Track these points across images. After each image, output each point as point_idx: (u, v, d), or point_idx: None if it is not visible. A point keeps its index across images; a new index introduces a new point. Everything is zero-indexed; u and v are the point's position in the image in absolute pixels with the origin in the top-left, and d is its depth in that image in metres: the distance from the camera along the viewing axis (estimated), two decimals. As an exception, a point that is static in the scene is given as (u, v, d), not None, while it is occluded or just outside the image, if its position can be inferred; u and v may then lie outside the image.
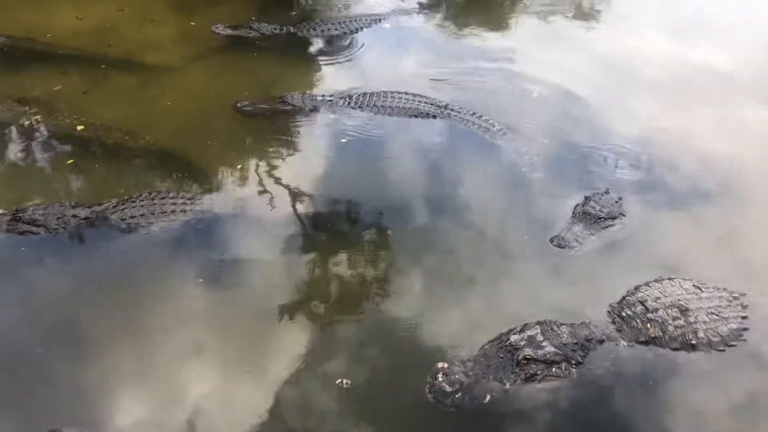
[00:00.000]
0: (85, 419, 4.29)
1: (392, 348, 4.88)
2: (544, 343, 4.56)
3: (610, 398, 4.54)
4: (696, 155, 6.87)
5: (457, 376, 4.32)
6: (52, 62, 8.06)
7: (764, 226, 6.03)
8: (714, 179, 6.57)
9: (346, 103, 7.42)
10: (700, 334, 4.71)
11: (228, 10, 9.49)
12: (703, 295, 4.98)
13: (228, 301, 5.19)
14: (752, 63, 8.74)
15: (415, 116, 7.29)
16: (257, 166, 6.68)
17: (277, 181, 6.44)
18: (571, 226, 5.80)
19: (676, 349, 4.69)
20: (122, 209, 5.68)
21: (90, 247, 5.57)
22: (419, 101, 7.37)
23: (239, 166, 6.60)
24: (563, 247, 5.62)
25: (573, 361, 4.56)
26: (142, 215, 5.64)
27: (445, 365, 4.40)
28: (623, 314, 4.89)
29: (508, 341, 4.59)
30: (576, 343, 4.62)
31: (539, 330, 4.65)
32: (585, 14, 10.23)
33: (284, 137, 7.13)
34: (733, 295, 5.08)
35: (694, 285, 5.07)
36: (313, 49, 8.83)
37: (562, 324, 4.76)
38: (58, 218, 5.60)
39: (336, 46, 8.94)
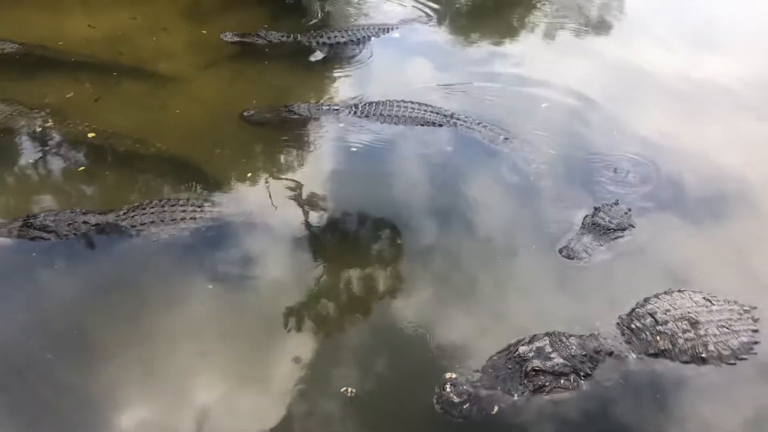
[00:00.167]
0: (92, 424, 4.31)
1: (399, 357, 4.88)
2: (552, 355, 4.54)
3: (618, 411, 4.51)
4: (706, 167, 6.84)
5: (465, 387, 4.31)
6: (65, 70, 8.14)
7: (775, 239, 6.00)
8: (724, 191, 6.54)
9: (353, 112, 7.45)
10: (711, 348, 4.69)
11: (239, 19, 9.54)
12: (714, 307, 4.95)
13: (235, 308, 5.21)
14: (764, 75, 8.70)
15: (422, 125, 7.30)
16: (266, 174, 6.71)
17: (286, 189, 6.45)
18: (580, 237, 5.79)
19: (686, 362, 4.67)
20: (132, 216, 5.72)
21: (100, 254, 5.61)
22: (425, 110, 7.39)
23: (249, 174, 6.63)
24: (572, 258, 5.60)
25: (582, 373, 4.54)
26: (152, 222, 5.67)
27: (454, 376, 4.39)
28: (632, 326, 4.86)
29: (517, 352, 4.58)
30: (585, 355, 4.61)
31: (548, 341, 4.64)
32: (595, 25, 10.23)
33: (293, 146, 7.16)
34: (744, 308, 5.05)
35: (704, 297, 5.05)
36: (321, 57, 8.85)
37: (571, 335, 4.74)
38: (69, 224, 5.64)
39: (344, 55, 8.96)
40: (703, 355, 4.66)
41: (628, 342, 4.78)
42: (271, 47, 8.83)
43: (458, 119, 7.37)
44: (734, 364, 4.68)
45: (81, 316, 5.05)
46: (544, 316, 5.07)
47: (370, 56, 8.92)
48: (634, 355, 4.71)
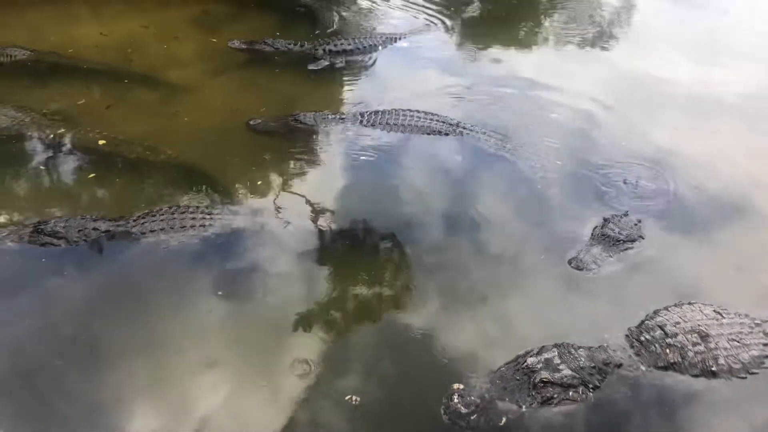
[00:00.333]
0: (100, 430, 4.32)
1: (407, 366, 4.86)
2: (561, 366, 4.51)
3: (627, 424, 4.47)
4: (716, 178, 6.81)
5: (473, 398, 4.29)
6: (76, 77, 8.23)
7: (787, 252, 5.96)
8: (735, 203, 6.51)
9: (359, 121, 7.47)
10: (721, 361, 4.64)
11: (250, 27, 9.63)
12: (724, 321, 4.91)
13: (243, 315, 5.21)
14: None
15: (428, 134, 7.31)
16: (276, 182, 6.73)
17: (295, 197, 6.47)
18: (589, 248, 5.76)
19: (696, 376, 4.62)
20: (142, 223, 5.74)
21: (109, 260, 5.63)
22: (431, 119, 7.40)
23: (258, 182, 6.65)
24: (581, 269, 5.58)
25: (590, 385, 4.51)
26: (161, 229, 5.69)
27: (461, 386, 4.37)
28: (642, 338, 4.82)
29: (525, 363, 4.55)
30: (593, 367, 4.58)
31: (556, 353, 4.61)
32: (605, 36, 10.25)
33: (301, 154, 7.18)
34: (755, 321, 5.00)
35: (714, 310, 5.00)
36: (321, 67, 8.87)
37: (579, 347, 4.71)
38: (79, 231, 5.66)
39: (352, 63, 9.00)
40: (713, 369, 4.62)
41: (637, 354, 4.74)
42: (278, 55, 8.88)
43: (464, 128, 7.38)
44: (745, 378, 4.64)
45: (89, 322, 5.06)
46: (552, 327, 5.04)
47: (378, 65, 8.96)
48: (643, 368, 4.67)
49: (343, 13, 10.58)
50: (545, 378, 4.43)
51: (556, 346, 4.70)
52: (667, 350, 4.70)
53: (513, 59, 9.43)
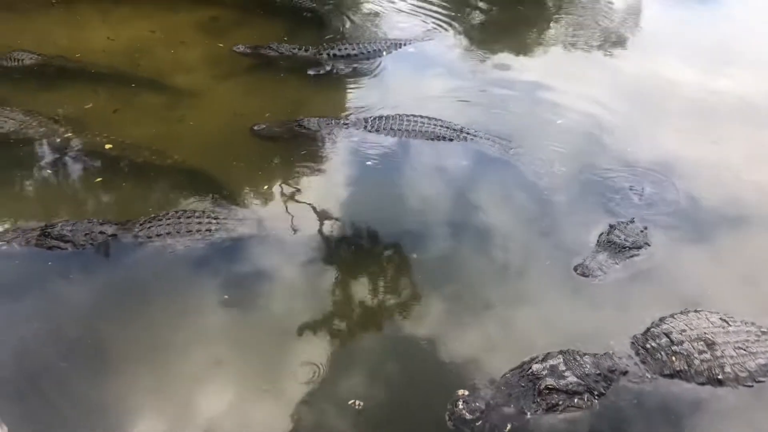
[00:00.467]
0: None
1: (411, 372, 4.86)
2: (566, 373, 4.50)
3: (632, 432, 4.47)
4: (723, 185, 6.78)
5: (477, 404, 4.28)
6: (84, 81, 8.27)
7: (794, 260, 5.93)
8: (742, 210, 6.47)
9: (363, 126, 7.48)
10: (727, 369, 4.62)
11: (257, 33, 9.64)
12: (731, 328, 4.88)
13: (248, 320, 5.22)
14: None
15: (432, 139, 7.32)
16: (281, 187, 6.75)
17: (301, 202, 6.49)
18: (595, 255, 5.75)
19: (702, 384, 4.60)
20: (149, 227, 5.76)
21: (116, 264, 5.65)
22: (435, 124, 7.39)
23: (264, 187, 6.67)
24: (587, 276, 5.56)
25: (595, 392, 4.49)
26: (168, 233, 5.71)
27: (466, 392, 4.37)
28: (647, 346, 4.81)
29: (530, 370, 4.54)
30: (599, 374, 4.56)
31: (562, 359, 4.59)
32: (611, 42, 10.23)
33: (307, 160, 7.18)
34: (762, 329, 4.96)
35: (720, 318, 4.98)
36: (332, 71, 8.88)
37: (585, 354, 4.69)
38: (86, 234, 5.69)
39: (357, 68, 9.00)
40: (719, 377, 4.59)
41: (642, 362, 4.73)
42: (283, 59, 8.91)
43: (468, 133, 7.38)
44: (751, 386, 4.61)
45: (95, 325, 5.08)
46: (557, 334, 5.03)
47: (384, 70, 8.97)
48: (648, 376, 4.65)
49: (351, 19, 10.60)
50: (550, 385, 4.42)
51: (561, 352, 4.68)
52: (673, 358, 4.68)
53: (519, 65, 9.41)
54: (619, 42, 10.26)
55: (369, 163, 7.06)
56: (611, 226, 6.05)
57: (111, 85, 8.25)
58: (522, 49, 9.92)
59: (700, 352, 4.68)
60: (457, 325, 5.19)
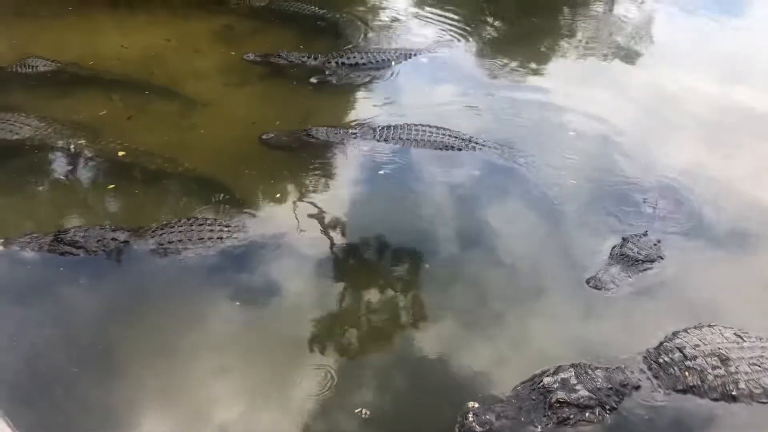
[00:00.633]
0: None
1: (421, 383, 4.84)
2: (577, 387, 4.46)
3: (644, 447, 4.42)
4: (737, 198, 6.72)
5: (487, 417, 4.25)
6: (98, 88, 8.35)
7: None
8: (756, 223, 6.41)
9: (372, 136, 7.48)
10: (741, 385, 4.56)
11: (271, 42, 9.69)
12: (745, 344, 4.82)
13: (258, 326, 5.24)
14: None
15: (440, 149, 7.31)
16: (292, 195, 6.76)
17: (311, 211, 6.49)
18: (608, 268, 5.71)
19: (716, 400, 4.54)
20: (161, 234, 5.79)
21: (127, 270, 5.68)
22: (443, 134, 7.38)
23: (276, 195, 6.68)
24: (600, 289, 5.52)
25: (607, 407, 4.45)
26: (179, 241, 5.73)
27: (476, 405, 4.34)
28: (660, 360, 4.75)
29: (541, 383, 4.51)
30: (611, 388, 4.52)
31: (573, 373, 4.56)
32: (625, 54, 10.20)
33: (317, 168, 7.19)
34: (776, 345, 4.92)
35: (735, 333, 4.92)
36: (344, 80, 8.88)
37: (596, 368, 4.66)
38: (98, 240, 5.73)
39: (367, 77, 9.00)
40: (733, 393, 4.54)
41: (655, 376, 4.68)
42: (293, 68, 8.94)
43: (476, 143, 7.37)
44: (766, 403, 4.55)
45: (107, 330, 5.10)
46: (569, 347, 5.00)
47: (395, 79, 8.98)
48: (661, 391, 4.61)
49: (366, 28, 10.64)
50: (561, 398, 4.38)
51: (572, 366, 4.65)
52: (686, 373, 4.63)
53: (531, 76, 9.42)
54: (633, 54, 10.23)
55: (378, 172, 7.05)
56: (624, 239, 6.01)
57: (125, 93, 8.33)
58: (535, 60, 9.91)
59: (714, 368, 4.63)
60: (468, 336, 5.17)
